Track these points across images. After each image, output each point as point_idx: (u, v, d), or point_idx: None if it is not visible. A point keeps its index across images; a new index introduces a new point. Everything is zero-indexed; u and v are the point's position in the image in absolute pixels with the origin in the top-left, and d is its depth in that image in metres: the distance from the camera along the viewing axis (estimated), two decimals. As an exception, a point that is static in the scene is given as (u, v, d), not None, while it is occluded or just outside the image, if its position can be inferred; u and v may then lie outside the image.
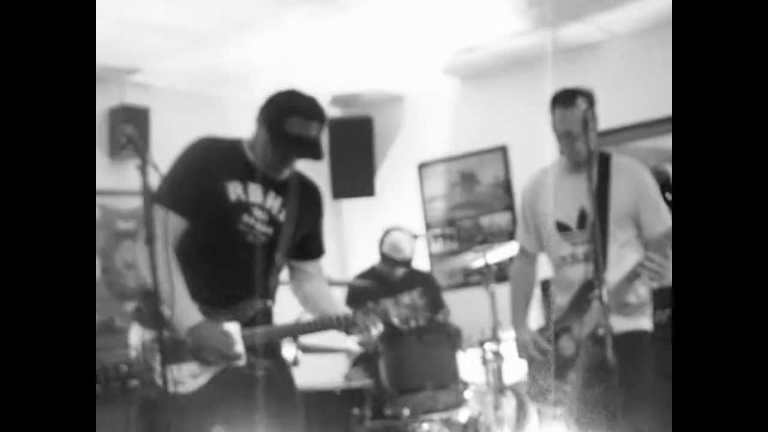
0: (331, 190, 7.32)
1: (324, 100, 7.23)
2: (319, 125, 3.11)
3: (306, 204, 3.27)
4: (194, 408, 2.97)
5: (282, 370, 3.22)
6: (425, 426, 4.31)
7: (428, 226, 7.19)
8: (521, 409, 5.17)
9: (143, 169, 2.75)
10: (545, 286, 5.08)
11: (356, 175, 7.29)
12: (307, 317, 3.28)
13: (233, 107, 6.67)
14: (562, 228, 3.61)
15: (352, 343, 5.24)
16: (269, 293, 3.19)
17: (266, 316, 3.19)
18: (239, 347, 3.00)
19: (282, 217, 3.15)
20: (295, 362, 4.84)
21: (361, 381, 4.99)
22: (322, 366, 5.60)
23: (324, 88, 6.99)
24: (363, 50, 6.09)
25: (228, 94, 6.52)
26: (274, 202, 3.13)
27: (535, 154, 6.57)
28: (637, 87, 5.93)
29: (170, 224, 2.98)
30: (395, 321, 3.30)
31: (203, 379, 2.99)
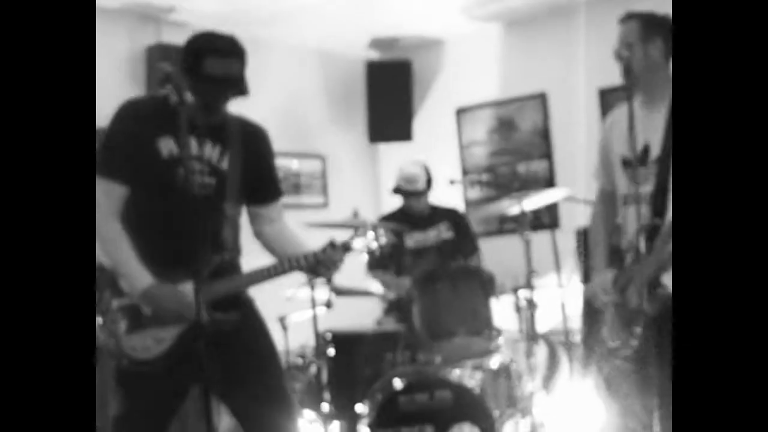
0: (368, 133, 7.30)
1: (363, 43, 7.21)
2: (239, 61, 3.00)
3: (251, 147, 3.17)
4: (166, 371, 2.95)
5: (251, 318, 3.17)
6: (457, 371, 4.31)
7: (465, 172, 7.17)
8: (553, 357, 5.17)
9: (181, 107, 2.74)
10: (580, 235, 5.05)
11: (394, 119, 7.26)
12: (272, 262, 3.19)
13: (270, 48, 6.65)
14: (625, 163, 3.36)
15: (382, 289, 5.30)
16: (226, 245, 3.12)
17: (231, 268, 3.14)
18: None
19: (224, 165, 3.07)
20: (328, 305, 4.86)
21: (394, 326, 5.01)
22: (354, 310, 5.62)
23: (363, 31, 6.94)
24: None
25: (265, 35, 6.49)
26: (212, 151, 3.05)
27: (575, 102, 6.54)
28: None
29: (112, 193, 2.94)
30: (355, 248, 3.21)
31: (169, 341, 2.96)
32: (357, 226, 3.32)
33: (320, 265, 3.12)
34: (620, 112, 3.44)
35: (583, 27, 6.46)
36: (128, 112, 3.01)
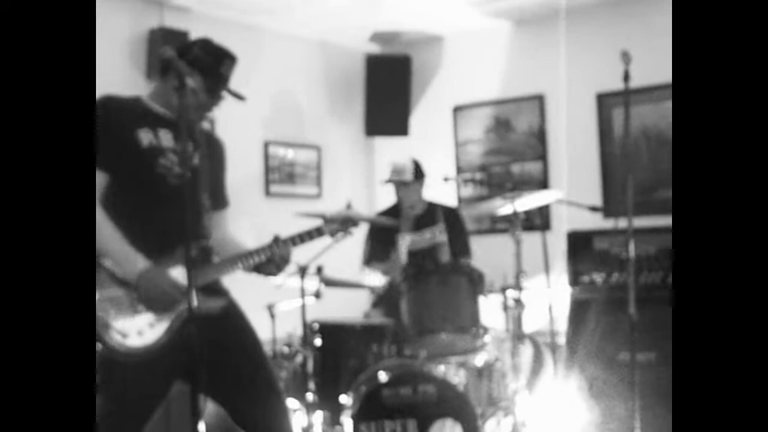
0: (364, 126, 7.31)
1: (364, 36, 7.22)
2: None
3: (214, 154, 3.32)
4: (156, 360, 2.94)
5: (232, 307, 3.22)
6: (441, 368, 4.33)
7: (459, 170, 7.18)
8: (538, 357, 5.19)
9: (181, 91, 2.75)
10: (571, 238, 5.07)
11: (391, 113, 7.27)
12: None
13: (270, 37, 6.65)
14: None
15: (375, 280, 5.31)
16: (207, 233, 3.19)
17: (207, 255, 3.18)
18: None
19: (195, 160, 3.16)
20: (317, 295, 4.87)
21: (382, 319, 5.02)
22: (343, 301, 5.64)
23: (365, 24, 6.95)
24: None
25: (265, 23, 6.49)
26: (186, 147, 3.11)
27: (572, 105, 6.56)
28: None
29: None
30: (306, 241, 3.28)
31: (160, 328, 2.96)
32: (327, 218, 3.36)
33: (269, 262, 3.19)
34: None
35: (583, 30, 6.48)
36: (107, 104, 3.04)
